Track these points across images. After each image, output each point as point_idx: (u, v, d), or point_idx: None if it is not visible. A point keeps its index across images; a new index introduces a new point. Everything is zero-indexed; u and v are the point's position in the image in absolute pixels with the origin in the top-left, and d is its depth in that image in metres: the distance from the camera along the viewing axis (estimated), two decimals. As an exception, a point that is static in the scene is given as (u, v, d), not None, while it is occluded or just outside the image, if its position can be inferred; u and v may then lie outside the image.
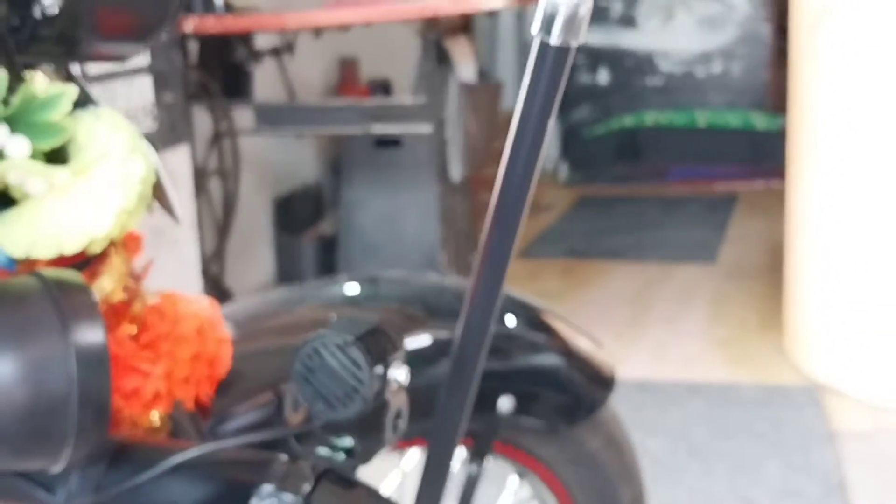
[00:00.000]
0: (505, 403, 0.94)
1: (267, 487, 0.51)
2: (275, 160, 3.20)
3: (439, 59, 2.31)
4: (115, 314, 0.66)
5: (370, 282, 0.98)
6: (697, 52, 4.86)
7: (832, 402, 2.34)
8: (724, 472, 2.02)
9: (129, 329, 0.66)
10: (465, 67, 2.36)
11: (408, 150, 2.70)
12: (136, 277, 0.67)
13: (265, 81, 2.63)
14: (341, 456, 0.54)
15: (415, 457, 1.00)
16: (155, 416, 0.61)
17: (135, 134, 0.59)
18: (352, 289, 0.97)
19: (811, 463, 2.04)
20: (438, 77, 2.32)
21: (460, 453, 0.98)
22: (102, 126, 0.58)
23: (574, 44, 0.53)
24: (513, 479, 1.07)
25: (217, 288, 2.75)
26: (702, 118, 4.80)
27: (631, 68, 4.90)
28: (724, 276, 3.34)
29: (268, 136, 2.67)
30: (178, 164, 2.18)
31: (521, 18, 4.80)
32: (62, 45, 0.64)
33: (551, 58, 0.54)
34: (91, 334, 0.51)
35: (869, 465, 2.04)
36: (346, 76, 3.30)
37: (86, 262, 0.63)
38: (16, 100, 0.54)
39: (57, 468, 0.52)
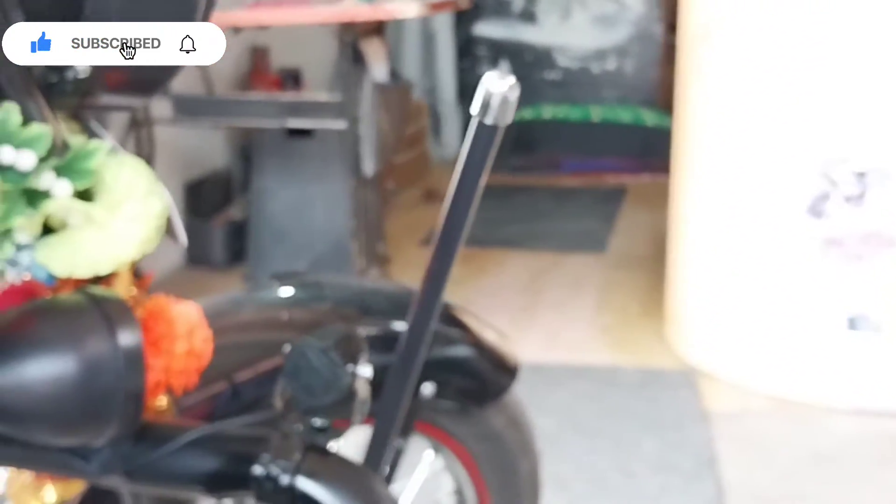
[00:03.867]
0: (427, 389, 1.12)
1: (266, 457, 0.66)
2: (186, 146, 3.28)
3: (354, 59, 2.45)
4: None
5: (313, 285, 1.13)
6: (593, 48, 5.11)
7: (705, 384, 2.56)
8: (607, 448, 2.25)
9: (136, 330, 0.80)
10: (378, 68, 2.50)
11: (319, 142, 2.83)
12: (138, 286, 0.81)
13: (183, 72, 2.72)
14: (320, 433, 0.70)
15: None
16: (163, 401, 0.76)
17: (151, 176, 0.73)
18: (296, 290, 1.12)
19: (685, 440, 2.27)
20: (354, 76, 2.46)
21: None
22: (126, 171, 0.72)
23: (503, 124, 0.70)
24: (428, 453, 1.24)
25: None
26: (595, 113, 5.05)
27: (530, 62, 5.12)
28: (611, 265, 3.56)
29: (186, 127, 2.77)
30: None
31: (426, 21, 4.96)
32: (80, 98, 0.77)
33: (485, 134, 0.70)
34: (132, 338, 0.65)
35: (737, 442, 2.25)
36: (258, 65, 3.40)
37: (99, 277, 0.77)
38: (68, 154, 0.68)
39: (97, 444, 0.67)
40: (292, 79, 3.43)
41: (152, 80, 0.81)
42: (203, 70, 2.74)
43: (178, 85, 2.67)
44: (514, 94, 0.69)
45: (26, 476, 0.76)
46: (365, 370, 0.71)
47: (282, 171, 3.04)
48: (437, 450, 1.23)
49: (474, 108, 0.70)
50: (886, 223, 2.29)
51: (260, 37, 3.37)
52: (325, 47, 3.14)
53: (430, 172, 4.91)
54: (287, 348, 0.71)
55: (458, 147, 5.12)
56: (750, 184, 2.48)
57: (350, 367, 0.70)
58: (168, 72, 0.80)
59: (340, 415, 0.74)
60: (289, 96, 2.74)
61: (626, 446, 2.24)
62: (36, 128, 0.68)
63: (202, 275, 3.30)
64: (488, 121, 0.70)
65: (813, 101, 2.33)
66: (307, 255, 3.06)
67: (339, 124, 2.49)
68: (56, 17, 0.72)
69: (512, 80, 0.69)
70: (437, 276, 0.77)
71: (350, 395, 0.70)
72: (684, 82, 2.70)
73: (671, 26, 5.03)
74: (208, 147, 3.45)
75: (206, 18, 0.82)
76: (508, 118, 0.70)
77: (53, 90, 0.74)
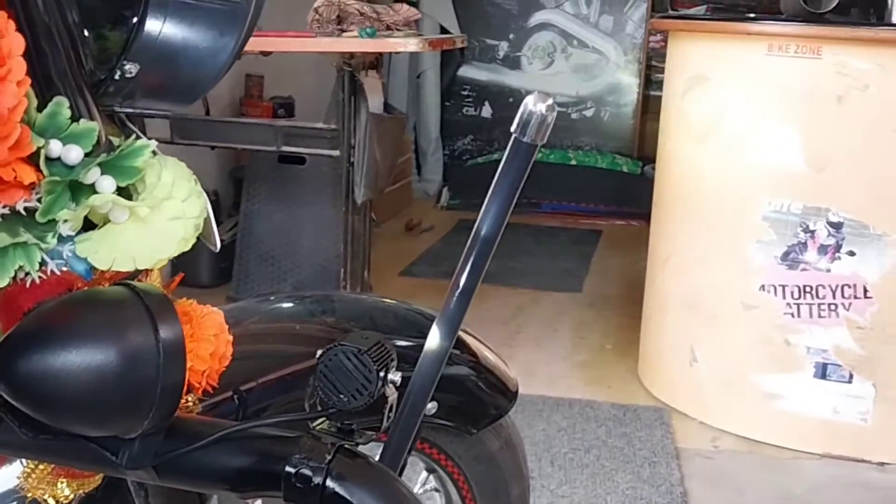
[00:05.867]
0: (430, 408, 1.13)
1: (297, 457, 0.67)
2: (175, 165, 3.27)
3: (352, 90, 2.48)
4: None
5: (324, 299, 1.14)
6: (573, 95, 5.21)
7: (678, 422, 2.60)
8: (582, 480, 2.26)
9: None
10: (374, 99, 2.54)
11: (310, 169, 2.85)
12: (166, 288, 0.82)
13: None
14: (349, 435, 0.71)
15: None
16: (191, 399, 0.76)
17: (193, 178, 0.75)
18: (307, 304, 1.13)
19: (658, 476, 2.30)
20: (350, 106, 2.49)
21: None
22: (168, 171, 0.74)
23: (540, 142, 0.72)
24: (422, 474, 1.25)
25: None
26: (574, 158, 5.14)
27: (513, 105, 5.21)
28: (587, 304, 3.62)
29: (182, 146, 2.77)
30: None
31: (414, 60, 5.04)
32: (122, 98, 0.79)
33: (522, 151, 0.73)
34: (173, 332, 0.66)
35: (708, 481, 2.29)
36: (252, 91, 3.43)
37: (133, 275, 0.78)
38: (114, 151, 0.70)
39: (131, 436, 0.67)
40: (284, 108, 3.45)
41: (192, 87, 0.82)
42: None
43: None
44: (552, 115, 0.71)
45: (43, 469, 0.77)
46: (394, 377, 0.72)
47: (272, 195, 3.05)
48: (430, 470, 1.23)
49: (513, 126, 0.73)
50: (860, 274, 2.35)
51: (255, 65, 3.40)
52: (318, 78, 3.17)
53: (413, 206, 4.94)
54: (320, 351, 0.72)
55: (439, 182, 5.16)
56: (726, 231, 2.53)
57: (381, 372, 0.71)
58: (209, 80, 0.82)
59: (368, 422, 0.75)
60: (285, 122, 2.77)
61: (601, 480, 2.26)
62: (84, 123, 0.69)
63: (187, 294, 3.26)
64: (526, 138, 0.72)
65: (791, 151, 2.39)
66: (292, 278, 3.07)
67: (334, 152, 2.51)
68: (109, 15, 0.74)
69: (550, 101, 0.71)
70: (464, 290, 0.78)
71: (380, 400, 0.72)
72: (667, 132, 2.76)
73: (648, 79, 5.15)
74: (199, 168, 3.41)
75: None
76: (544, 137, 0.73)
77: (99, 88, 0.75)
